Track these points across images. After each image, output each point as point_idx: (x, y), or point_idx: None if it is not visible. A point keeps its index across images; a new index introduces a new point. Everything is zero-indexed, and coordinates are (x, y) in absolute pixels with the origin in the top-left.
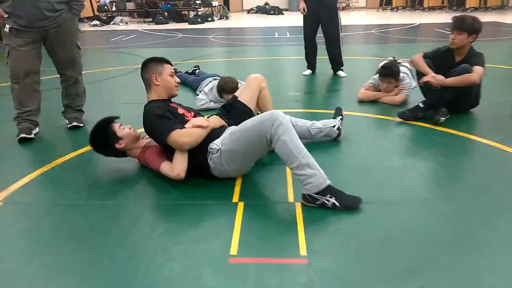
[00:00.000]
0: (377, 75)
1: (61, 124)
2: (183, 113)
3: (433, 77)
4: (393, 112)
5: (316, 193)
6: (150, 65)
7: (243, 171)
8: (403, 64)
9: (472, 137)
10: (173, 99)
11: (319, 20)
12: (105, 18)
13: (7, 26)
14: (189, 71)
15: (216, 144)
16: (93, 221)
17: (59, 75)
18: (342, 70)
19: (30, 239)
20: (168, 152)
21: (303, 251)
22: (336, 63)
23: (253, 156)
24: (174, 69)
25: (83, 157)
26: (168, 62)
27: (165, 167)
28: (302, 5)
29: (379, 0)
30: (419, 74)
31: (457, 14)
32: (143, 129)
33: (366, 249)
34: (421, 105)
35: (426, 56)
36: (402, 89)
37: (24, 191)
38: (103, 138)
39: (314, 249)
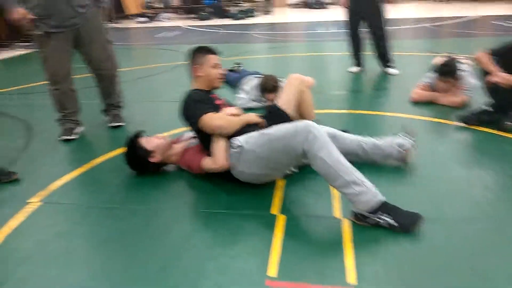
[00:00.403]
0: (432, 73)
1: (101, 122)
2: (221, 104)
3: (501, 77)
4: (453, 115)
5: (368, 211)
6: (194, 55)
7: (262, 181)
8: (462, 61)
9: None
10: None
11: (362, 14)
12: (150, 15)
13: (40, 30)
14: (231, 68)
15: (238, 140)
16: (126, 227)
17: (93, 75)
18: (392, 66)
19: (65, 243)
20: (206, 149)
21: (351, 277)
22: (384, 58)
23: (276, 167)
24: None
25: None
26: (213, 52)
27: (207, 162)
28: None
29: None
30: (485, 74)
31: None
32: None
33: (426, 276)
34: (486, 107)
35: (493, 53)
36: (463, 89)
37: (63, 192)
38: (135, 157)
39: (364, 276)
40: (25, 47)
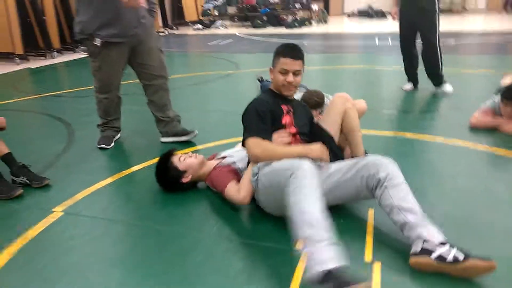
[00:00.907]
0: (498, 95)
1: (137, 129)
2: (286, 123)
3: None
4: None
5: (312, 279)
6: (274, 55)
7: (283, 213)
8: None
9: None
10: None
11: (415, 26)
12: (207, 22)
13: (98, 40)
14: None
15: (257, 166)
16: (143, 247)
17: (146, 87)
18: (446, 82)
19: (77, 259)
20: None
21: None
22: (434, 75)
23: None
24: (261, 77)
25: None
26: (287, 55)
27: (231, 188)
28: (395, 10)
29: (503, 1)
30: None
31: None
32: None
33: None
34: None
35: None
36: None
37: (88, 202)
38: (168, 177)
39: None
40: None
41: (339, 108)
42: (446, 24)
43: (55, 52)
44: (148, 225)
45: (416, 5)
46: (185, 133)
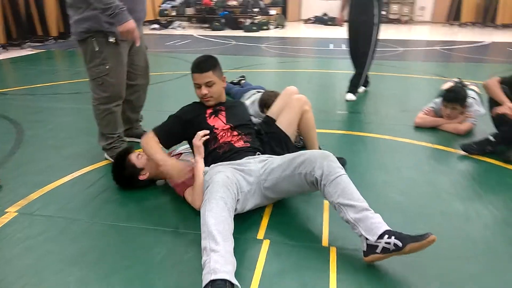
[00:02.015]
0: (440, 98)
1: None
2: (214, 125)
3: (510, 108)
4: (456, 143)
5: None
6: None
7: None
8: (470, 87)
9: None
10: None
11: (356, 33)
12: (164, 22)
13: (112, 37)
14: (234, 81)
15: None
16: (104, 245)
17: (129, 87)
18: (353, 93)
19: (34, 260)
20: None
21: None
22: (353, 84)
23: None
24: (239, 79)
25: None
26: (195, 71)
27: (187, 196)
28: (341, 15)
29: (446, 14)
30: (492, 102)
31: None
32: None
33: None
34: (490, 137)
35: (503, 82)
36: (468, 117)
37: (43, 202)
38: (124, 174)
39: None
40: (35, 47)
41: (297, 110)
42: (394, 33)
43: (0, 48)
44: (107, 223)
45: (357, 16)
46: None
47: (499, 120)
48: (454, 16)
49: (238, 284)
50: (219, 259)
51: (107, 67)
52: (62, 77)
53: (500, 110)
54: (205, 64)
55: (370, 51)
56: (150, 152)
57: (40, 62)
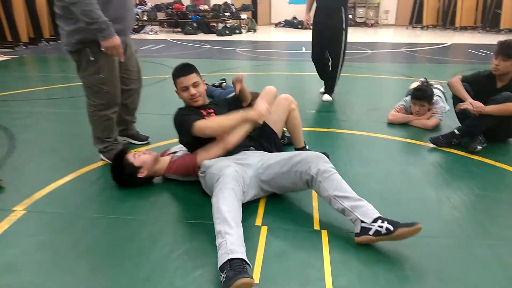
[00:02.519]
0: (409, 97)
1: (79, 132)
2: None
3: (471, 104)
4: (425, 137)
5: (219, 267)
6: (173, 80)
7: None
8: (436, 86)
9: None
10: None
11: (324, 39)
12: (136, 27)
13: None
14: (215, 84)
15: (204, 165)
16: (112, 237)
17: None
18: (330, 94)
19: (50, 252)
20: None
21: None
22: (329, 86)
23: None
24: (220, 82)
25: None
26: (180, 76)
27: (201, 155)
28: (307, 17)
29: (409, 18)
30: (456, 99)
31: (504, 39)
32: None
33: (393, 284)
34: (456, 131)
35: (465, 80)
36: (435, 113)
37: (48, 200)
38: (123, 173)
39: (339, 284)
40: (5, 53)
41: (284, 108)
42: (362, 36)
43: None
44: (113, 217)
45: (326, 21)
46: (142, 138)
47: (462, 115)
48: (416, 20)
49: (250, 264)
50: (235, 241)
51: (102, 76)
52: (39, 83)
53: (462, 106)
54: (188, 67)
55: (341, 54)
56: (227, 123)
57: (13, 68)
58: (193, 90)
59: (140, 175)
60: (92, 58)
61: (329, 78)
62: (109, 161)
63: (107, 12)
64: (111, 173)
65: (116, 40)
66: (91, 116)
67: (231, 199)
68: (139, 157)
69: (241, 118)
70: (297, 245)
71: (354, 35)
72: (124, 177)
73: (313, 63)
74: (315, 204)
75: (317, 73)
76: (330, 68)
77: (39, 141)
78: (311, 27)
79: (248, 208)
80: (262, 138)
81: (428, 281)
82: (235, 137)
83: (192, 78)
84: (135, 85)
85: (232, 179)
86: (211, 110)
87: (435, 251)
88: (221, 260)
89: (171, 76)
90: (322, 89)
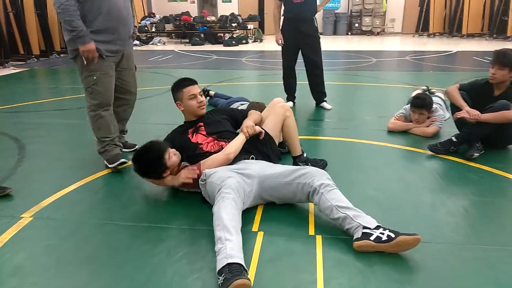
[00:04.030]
0: (409, 105)
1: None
2: (197, 141)
3: (468, 112)
4: (424, 145)
5: (217, 272)
6: (173, 93)
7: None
8: (436, 94)
9: (509, 175)
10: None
11: (298, 49)
12: (144, 38)
13: (97, 54)
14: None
15: (205, 174)
16: (114, 243)
17: (118, 100)
18: (326, 101)
19: (55, 256)
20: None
21: None
22: (320, 93)
23: None
24: (203, 89)
25: (118, 176)
26: (187, 84)
27: (204, 168)
28: (279, 36)
29: (415, 25)
30: (454, 107)
31: (500, 48)
32: None
33: None
34: (453, 138)
35: (462, 88)
36: (434, 121)
37: (54, 208)
38: (154, 169)
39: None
40: (17, 66)
41: (280, 116)
42: (367, 45)
43: None
44: (116, 223)
45: (298, 30)
46: (130, 146)
47: (460, 123)
48: (422, 27)
49: (248, 271)
50: (234, 247)
51: (95, 77)
52: (49, 95)
53: (459, 114)
54: (193, 79)
55: (321, 60)
56: (236, 146)
57: (25, 81)
58: (201, 97)
59: (165, 174)
60: (85, 63)
61: (317, 86)
62: (114, 162)
63: (95, 22)
64: (139, 157)
65: (91, 46)
66: (89, 117)
67: (232, 208)
68: (171, 158)
69: (242, 141)
70: (291, 250)
71: (359, 44)
72: (152, 171)
73: (283, 76)
74: (310, 209)
75: (284, 88)
76: (314, 78)
77: (48, 151)
78: (283, 43)
79: (246, 214)
80: (259, 142)
81: (420, 285)
82: (233, 147)
83: (198, 87)
84: (128, 96)
85: (234, 189)
86: (201, 124)
87: (427, 256)
88: (220, 264)
89: (172, 89)
90: (291, 104)
